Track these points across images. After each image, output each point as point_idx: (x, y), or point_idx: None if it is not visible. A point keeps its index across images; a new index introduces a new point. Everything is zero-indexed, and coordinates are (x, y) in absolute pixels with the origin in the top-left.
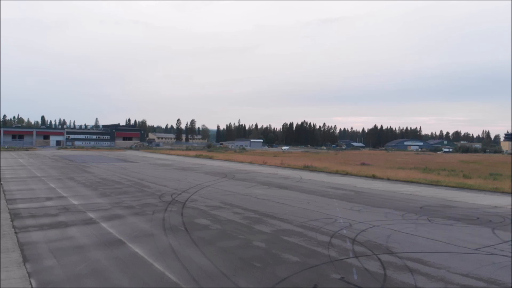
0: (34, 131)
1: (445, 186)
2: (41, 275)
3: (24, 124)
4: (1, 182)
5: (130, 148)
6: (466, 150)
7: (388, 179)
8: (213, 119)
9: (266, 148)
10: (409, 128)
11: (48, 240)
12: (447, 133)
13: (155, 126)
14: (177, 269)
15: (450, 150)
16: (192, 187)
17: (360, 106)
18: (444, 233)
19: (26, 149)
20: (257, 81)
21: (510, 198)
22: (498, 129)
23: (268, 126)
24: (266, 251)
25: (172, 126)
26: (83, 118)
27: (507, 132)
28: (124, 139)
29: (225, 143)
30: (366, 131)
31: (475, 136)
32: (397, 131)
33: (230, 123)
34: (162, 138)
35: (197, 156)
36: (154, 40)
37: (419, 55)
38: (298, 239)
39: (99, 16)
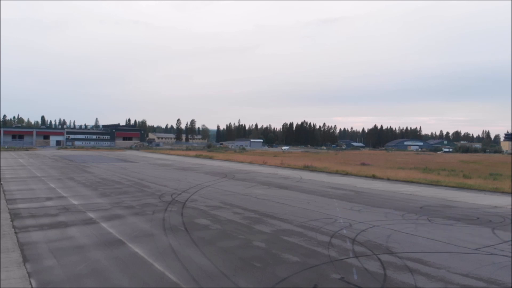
0: (34, 131)
1: (445, 186)
2: (41, 275)
3: (24, 124)
4: (1, 182)
5: (130, 148)
6: (466, 150)
7: (388, 179)
8: (213, 119)
9: (266, 148)
10: (409, 128)
11: (48, 240)
12: (447, 133)
13: (155, 126)
14: (177, 269)
15: (450, 150)
16: (192, 187)
17: (360, 106)
18: (444, 233)
19: (26, 149)
20: (257, 81)
21: (510, 198)
22: (498, 129)
23: (268, 126)
24: (266, 251)
25: (172, 126)
26: (83, 118)
27: (507, 132)
28: (124, 139)
29: (225, 143)
30: (366, 131)
31: (475, 136)
32: (397, 131)
33: (230, 123)
34: (162, 138)
35: (197, 156)
36: (154, 40)
37: (419, 55)
38: (298, 239)
39: (99, 16)
